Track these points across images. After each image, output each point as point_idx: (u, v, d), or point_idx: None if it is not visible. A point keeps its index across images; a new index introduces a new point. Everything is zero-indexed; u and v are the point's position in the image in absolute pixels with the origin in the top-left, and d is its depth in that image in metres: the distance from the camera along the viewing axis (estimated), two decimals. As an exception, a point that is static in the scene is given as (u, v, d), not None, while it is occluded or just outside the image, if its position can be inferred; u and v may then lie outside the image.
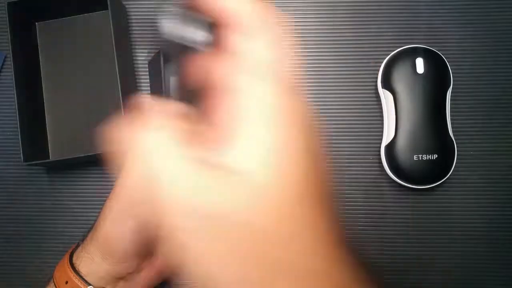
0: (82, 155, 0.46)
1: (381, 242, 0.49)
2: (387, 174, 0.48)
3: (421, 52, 0.48)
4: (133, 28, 0.52)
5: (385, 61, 0.49)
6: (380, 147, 0.48)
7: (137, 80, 0.51)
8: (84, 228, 0.50)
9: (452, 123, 0.48)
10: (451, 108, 0.48)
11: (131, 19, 0.52)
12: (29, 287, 0.50)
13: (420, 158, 0.46)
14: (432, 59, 0.48)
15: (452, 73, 0.48)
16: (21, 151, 0.45)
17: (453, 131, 0.47)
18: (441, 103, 0.47)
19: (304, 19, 0.51)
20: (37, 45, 0.51)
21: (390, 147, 0.47)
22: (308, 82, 0.50)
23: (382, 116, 0.49)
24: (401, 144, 0.46)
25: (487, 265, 0.48)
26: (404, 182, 0.47)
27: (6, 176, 0.51)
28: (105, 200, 0.51)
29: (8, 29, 0.47)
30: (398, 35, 0.50)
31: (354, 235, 0.49)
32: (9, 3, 0.47)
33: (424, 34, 0.50)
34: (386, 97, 0.48)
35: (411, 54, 0.48)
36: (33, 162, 0.46)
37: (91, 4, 0.49)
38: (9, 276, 0.50)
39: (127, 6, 0.52)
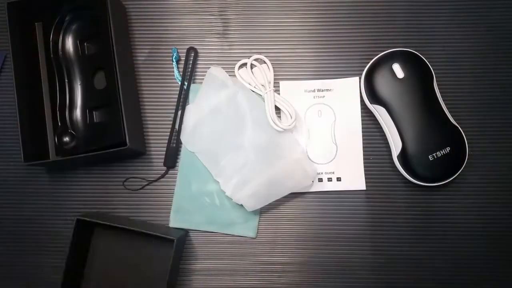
0: (82, 155, 0.46)
1: (386, 241, 0.49)
2: (401, 179, 0.49)
3: (394, 57, 0.47)
4: (133, 28, 0.52)
5: (362, 76, 0.49)
6: (391, 158, 0.48)
7: (137, 80, 0.51)
8: (84, 228, 0.50)
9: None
10: (451, 104, 0.48)
11: (131, 19, 0.52)
12: (29, 287, 0.50)
13: (435, 157, 0.46)
14: (406, 59, 0.47)
15: (437, 70, 0.48)
16: (21, 151, 0.45)
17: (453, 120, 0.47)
18: (432, 96, 0.47)
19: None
20: (37, 45, 0.51)
21: (403, 155, 0.47)
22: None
23: (377, 128, 0.49)
24: (413, 149, 0.46)
25: (487, 265, 0.48)
26: (426, 183, 0.47)
27: (6, 176, 0.51)
28: (104, 200, 0.51)
29: (8, 29, 0.47)
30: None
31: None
32: (9, 3, 0.47)
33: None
34: (378, 111, 0.48)
35: (385, 62, 0.47)
36: (33, 162, 0.46)
37: (91, 4, 0.49)
38: (9, 276, 0.50)
39: (127, 6, 0.52)
